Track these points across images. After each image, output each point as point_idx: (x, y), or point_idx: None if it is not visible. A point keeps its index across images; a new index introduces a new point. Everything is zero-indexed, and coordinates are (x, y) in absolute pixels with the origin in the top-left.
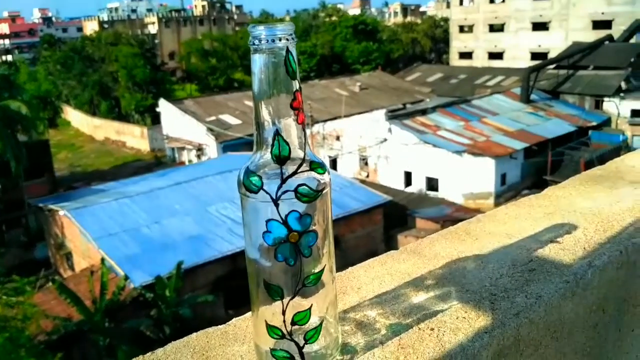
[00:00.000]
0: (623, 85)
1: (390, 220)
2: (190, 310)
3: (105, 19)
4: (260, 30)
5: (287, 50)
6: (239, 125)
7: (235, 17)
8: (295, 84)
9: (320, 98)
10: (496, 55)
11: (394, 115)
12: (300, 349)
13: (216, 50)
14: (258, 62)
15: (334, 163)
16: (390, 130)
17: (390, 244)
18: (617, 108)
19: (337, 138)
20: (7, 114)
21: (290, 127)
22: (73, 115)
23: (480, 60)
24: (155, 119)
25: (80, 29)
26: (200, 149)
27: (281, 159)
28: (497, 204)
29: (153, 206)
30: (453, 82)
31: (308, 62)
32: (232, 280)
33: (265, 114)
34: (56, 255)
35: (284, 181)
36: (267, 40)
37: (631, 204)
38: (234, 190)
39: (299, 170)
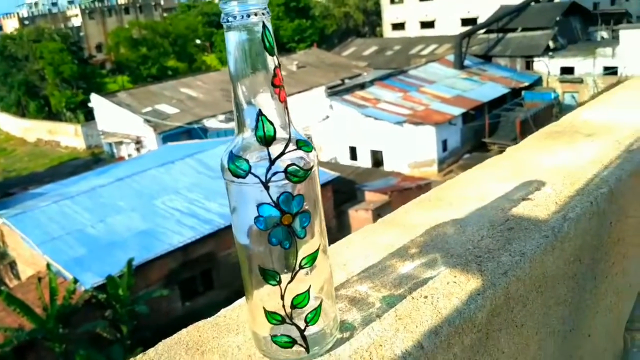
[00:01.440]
0: (551, 44)
1: (339, 196)
2: (146, 306)
3: (25, 15)
4: (233, 6)
5: (264, 25)
6: (177, 114)
7: (162, 2)
8: (275, 60)
9: None
10: (428, 24)
11: (334, 92)
12: (302, 332)
13: (146, 39)
14: (233, 39)
15: None
16: (331, 106)
17: (341, 219)
18: (547, 67)
19: None
20: None
21: (272, 106)
22: (1, 119)
23: (413, 30)
24: (89, 115)
25: None
26: (139, 142)
27: (267, 140)
28: (441, 170)
29: (96, 205)
30: (388, 54)
31: None
32: (185, 272)
33: (244, 94)
34: None
35: (272, 162)
36: (242, 16)
37: (591, 156)
38: (178, 181)
39: (287, 150)
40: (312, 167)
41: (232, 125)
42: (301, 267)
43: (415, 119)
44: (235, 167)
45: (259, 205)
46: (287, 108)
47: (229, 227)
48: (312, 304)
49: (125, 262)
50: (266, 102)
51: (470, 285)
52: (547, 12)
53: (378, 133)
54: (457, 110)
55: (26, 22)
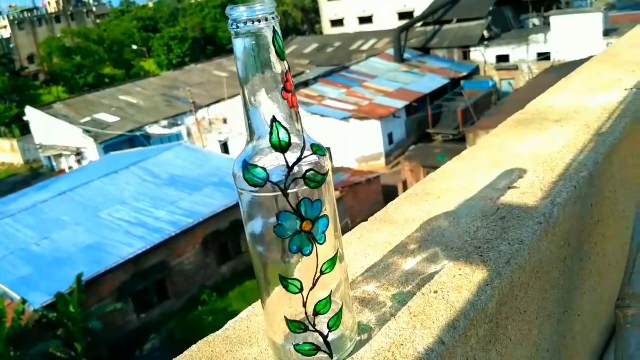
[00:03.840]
0: (486, 34)
1: None
2: (99, 322)
3: None
4: (241, 12)
5: (274, 30)
6: (118, 123)
7: (94, 9)
8: (285, 65)
9: (199, 83)
10: (366, 20)
11: None
12: (325, 338)
13: (80, 47)
14: (241, 46)
15: (225, 147)
16: None
17: None
18: (484, 56)
19: (224, 121)
20: None
21: (284, 112)
22: None
23: (351, 26)
24: (25, 129)
25: None
26: (79, 154)
27: (282, 147)
28: (388, 163)
29: (39, 221)
30: (329, 50)
31: (180, 47)
32: (138, 284)
33: (255, 100)
34: None
35: (291, 169)
36: (251, 22)
37: (565, 141)
38: (124, 191)
39: (304, 156)
40: (328, 171)
41: (176, 130)
42: (322, 273)
43: (360, 114)
44: (252, 175)
45: (278, 213)
46: (298, 113)
47: (180, 235)
48: (334, 309)
49: (74, 278)
50: (278, 108)
51: (477, 277)
52: (481, 2)
53: (325, 130)
54: (400, 104)
55: None
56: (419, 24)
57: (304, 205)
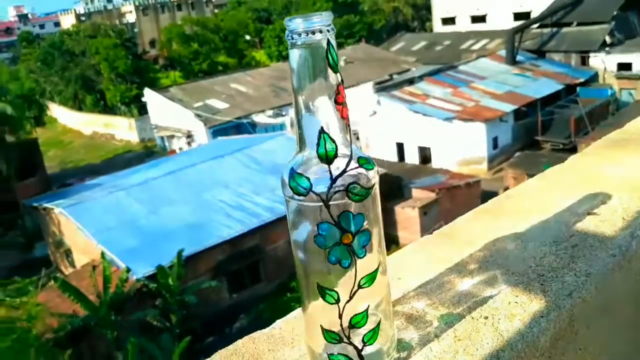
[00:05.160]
0: (607, 39)
1: (386, 193)
2: (195, 296)
3: (82, 11)
4: (298, 24)
5: (328, 42)
6: (227, 109)
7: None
8: (338, 77)
9: None
10: (479, 19)
11: (382, 87)
12: (359, 352)
13: (197, 35)
14: (297, 57)
15: None
16: (379, 102)
17: (387, 217)
18: (604, 63)
19: None
20: None
21: (334, 124)
22: (59, 112)
23: (463, 25)
24: (142, 109)
25: (57, 24)
26: (190, 136)
27: (328, 158)
28: (490, 168)
29: (148, 197)
30: (438, 49)
31: None
32: (233, 264)
33: (306, 110)
34: (56, 254)
35: (334, 181)
36: (306, 33)
37: None
38: (228, 174)
39: (348, 169)
40: (374, 185)
41: (280, 120)
42: (360, 287)
43: (464, 116)
44: (296, 184)
45: (319, 224)
46: (348, 125)
47: (276, 221)
48: (370, 323)
49: (175, 253)
50: (328, 119)
51: (533, 307)
52: (604, 6)
53: (426, 129)
54: (508, 107)
55: (82, 18)
56: (535, 26)
57: (344, 217)
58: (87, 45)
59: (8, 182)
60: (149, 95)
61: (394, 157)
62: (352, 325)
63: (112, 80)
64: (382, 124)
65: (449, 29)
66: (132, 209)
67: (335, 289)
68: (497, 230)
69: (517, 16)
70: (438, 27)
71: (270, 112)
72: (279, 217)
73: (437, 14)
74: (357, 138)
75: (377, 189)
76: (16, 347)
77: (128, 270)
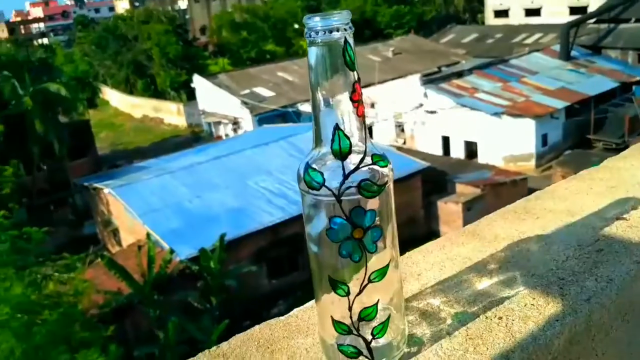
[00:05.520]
0: None
1: (429, 186)
2: (235, 280)
3: None
4: (316, 22)
5: (345, 41)
6: (273, 97)
7: None
8: (354, 75)
9: None
10: (533, 12)
11: (429, 80)
12: (368, 344)
13: (247, 22)
14: (314, 54)
15: (369, 131)
16: (425, 95)
17: (430, 210)
18: None
19: (372, 105)
20: (47, 97)
21: (350, 120)
22: (111, 95)
23: (516, 17)
24: (191, 95)
25: (112, 9)
26: (236, 123)
27: (342, 154)
28: (539, 165)
29: (194, 181)
30: (489, 42)
31: None
32: (273, 251)
33: (323, 107)
34: (104, 232)
35: (346, 177)
36: (324, 32)
37: None
38: (271, 162)
39: (361, 165)
40: (387, 182)
41: None
42: (370, 281)
43: (514, 111)
44: (310, 178)
45: (331, 218)
46: (364, 122)
47: None
48: (380, 316)
49: (217, 236)
50: (344, 116)
51: (549, 310)
52: None
53: (473, 124)
54: (560, 104)
55: (136, 4)
56: (592, 21)
57: (356, 213)
58: (139, 30)
59: (61, 162)
60: (198, 82)
61: (439, 151)
62: (362, 318)
63: (163, 66)
64: (428, 117)
65: (501, 21)
66: (177, 192)
67: (345, 282)
68: (521, 231)
69: (573, 10)
70: (490, 19)
71: None
72: None
73: (490, 5)
74: (402, 130)
75: (390, 186)
76: (62, 320)
77: (172, 251)
